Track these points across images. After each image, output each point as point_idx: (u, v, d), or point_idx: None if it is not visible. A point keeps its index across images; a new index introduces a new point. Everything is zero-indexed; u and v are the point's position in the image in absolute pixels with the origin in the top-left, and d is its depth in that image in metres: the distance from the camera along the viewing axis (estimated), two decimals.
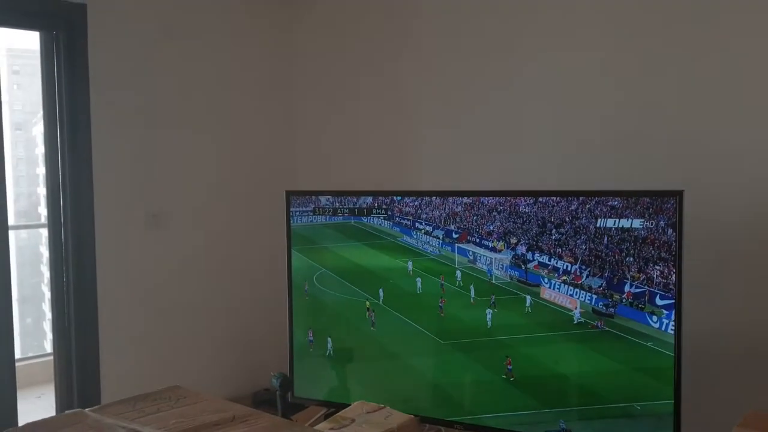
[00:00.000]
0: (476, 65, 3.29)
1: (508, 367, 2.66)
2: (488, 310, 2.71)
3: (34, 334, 5.24)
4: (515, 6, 3.14)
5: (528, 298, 2.65)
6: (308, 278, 3.09)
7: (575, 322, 2.52)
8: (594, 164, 2.91)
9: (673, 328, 2.29)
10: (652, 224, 2.34)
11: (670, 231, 2.30)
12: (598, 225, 2.45)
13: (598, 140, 2.92)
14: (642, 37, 2.78)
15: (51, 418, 1.59)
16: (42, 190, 5.10)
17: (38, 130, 5.33)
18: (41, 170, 5.32)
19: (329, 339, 3.05)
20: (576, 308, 2.51)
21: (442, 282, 2.85)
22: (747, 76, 2.55)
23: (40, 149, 5.34)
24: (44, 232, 5.17)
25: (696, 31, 2.65)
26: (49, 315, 5.09)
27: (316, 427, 1.97)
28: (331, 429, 2.00)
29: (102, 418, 1.54)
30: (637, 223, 2.37)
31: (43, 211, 5.03)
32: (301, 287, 3.09)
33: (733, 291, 2.60)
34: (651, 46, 2.76)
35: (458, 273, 2.81)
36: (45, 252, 5.30)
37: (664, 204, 2.31)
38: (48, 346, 5.07)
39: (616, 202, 2.41)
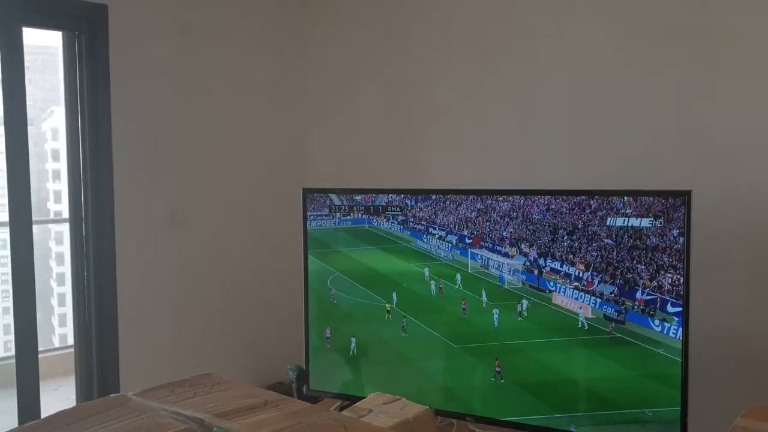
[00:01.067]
0: (491, 65, 3.32)
1: (497, 369, 2.72)
2: (495, 310, 2.77)
3: (46, 328, 5.33)
4: (526, 7, 3.19)
5: (525, 302, 2.70)
6: (328, 281, 3.14)
7: (585, 327, 2.57)
8: (600, 167, 2.97)
9: (676, 329, 2.35)
10: (660, 224, 2.37)
11: (678, 235, 2.34)
12: (608, 229, 2.49)
13: (603, 142, 2.97)
14: (645, 38, 2.83)
15: (96, 402, 1.65)
16: (52, 186, 5.13)
17: (48, 125, 5.35)
18: (51, 166, 5.35)
19: (353, 339, 3.10)
20: (585, 312, 2.56)
21: (441, 285, 2.91)
22: (748, 76, 2.60)
23: (50, 145, 5.37)
24: (54, 228, 5.21)
25: (697, 32, 2.71)
26: (57, 310, 5.15)
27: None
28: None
29: (145, 402, 1.61)
30: (645, 222, 2.41)
31: (52, 206, 5.07)
32: (317, 287, 3.14)
33: (741, 293, 2.63)
34: (654, 47, 2.81)
35: (469, 277, 2.85)
36: (54, 247, 5.33)
37: (675, 211, 2.34)
38: (56, 341, 5.13)
39: (629, 210, 2.46)
